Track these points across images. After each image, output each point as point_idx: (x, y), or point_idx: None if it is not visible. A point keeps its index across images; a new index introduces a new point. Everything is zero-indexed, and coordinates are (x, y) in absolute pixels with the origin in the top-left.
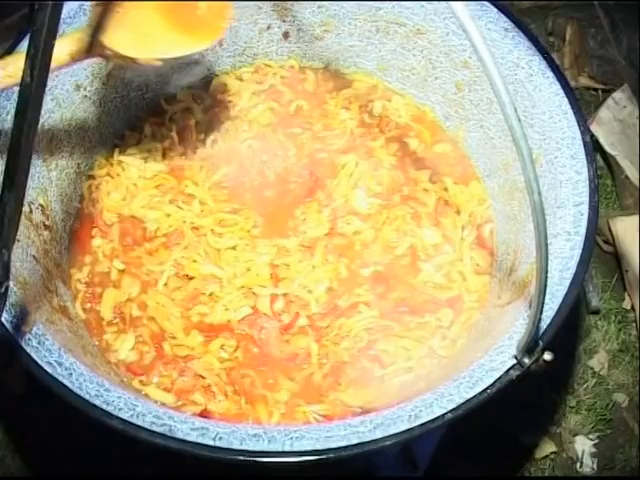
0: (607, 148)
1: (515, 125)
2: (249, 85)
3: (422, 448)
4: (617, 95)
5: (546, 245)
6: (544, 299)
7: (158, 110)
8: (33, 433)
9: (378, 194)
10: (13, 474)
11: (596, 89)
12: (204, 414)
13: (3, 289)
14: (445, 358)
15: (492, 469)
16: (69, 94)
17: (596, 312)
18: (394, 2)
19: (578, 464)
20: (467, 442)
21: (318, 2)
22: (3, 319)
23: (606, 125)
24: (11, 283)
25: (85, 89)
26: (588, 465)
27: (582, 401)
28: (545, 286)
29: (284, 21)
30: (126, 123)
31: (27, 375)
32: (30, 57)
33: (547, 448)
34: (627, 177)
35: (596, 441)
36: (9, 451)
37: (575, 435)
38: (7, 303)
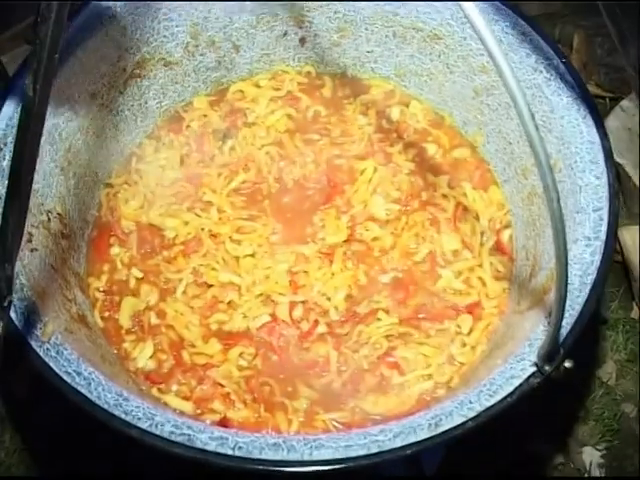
0: (615, 156)
1: (532, 132)
2: (266, 92)
3: (430, 453)
4: (625, 103)
5: (565, 252)
6: (564, 306)
7: (175, 118)
8: (39, 439)
9: (397, 200)
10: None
11: (604, 97)
12: (223, 422)
13: (6, 303)
14: (465, 365)
15: (499, 478)
16: (86, 103)
17: (604, 322)
18: (411, 7)
19: (586, 475)
20: (474, 452)
21: (334, 8)
22: (21, 329)
23: (614, 133)
24: (29, 292)
25: (102, 98)
26: (596, 476)
27: (590, 411)
28: (565, 293)
29: (301, 27)
30: (143, 131)
31: (31, 380)
32: (33, 70)
33: (555, 458)
34: (635, 185)
35: (604, 452)
36: (15, 460)
37: (583, 445)
38: (25, 314)
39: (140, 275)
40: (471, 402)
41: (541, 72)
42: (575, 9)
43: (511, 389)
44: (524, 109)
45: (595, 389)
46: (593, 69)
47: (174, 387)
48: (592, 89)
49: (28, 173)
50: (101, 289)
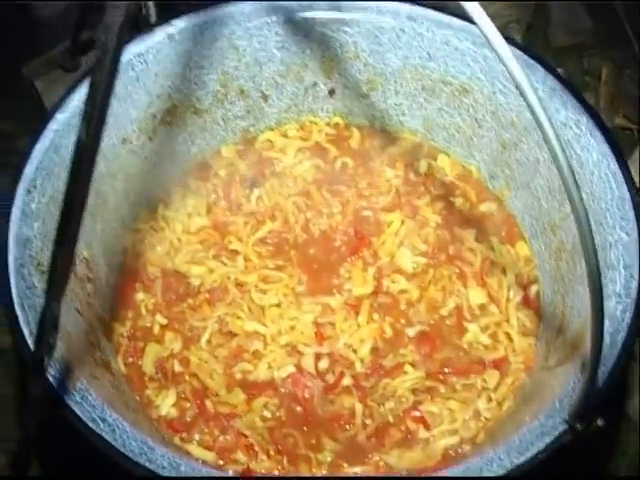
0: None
1: (569, 178)
2: (294, 142)
3: None
4: None
5: (602, 311)
6: (599, 363)
7: (203, 165)
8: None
9: (424, 253)
10: None
11: (632, 129)
12: (246, 473)
13: (52, 341)
14: (490, 421)
15: None
16: (115, 148)
17: (631, 356)
18: (441, 61)
19: None
20: None
21: (364, 60)
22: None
23: None
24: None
25: (131, 143)
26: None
27: (615, 447)
28: (600, 352)
29: (330, 78)
30: (171, 177)
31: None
32: (87, 115)
33: None
34: None
35: None
36: None
37: None
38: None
39: (164, 322)
40: (500, 459)
41: (571, 127)
42: (603, 40)
43: (542, 446)
44: (562, 161)
45: (621, 424)
46: (621, 101)
47: (196, 436)
48: (620, 121)
49: (77, 214)
50: (125, 335)
